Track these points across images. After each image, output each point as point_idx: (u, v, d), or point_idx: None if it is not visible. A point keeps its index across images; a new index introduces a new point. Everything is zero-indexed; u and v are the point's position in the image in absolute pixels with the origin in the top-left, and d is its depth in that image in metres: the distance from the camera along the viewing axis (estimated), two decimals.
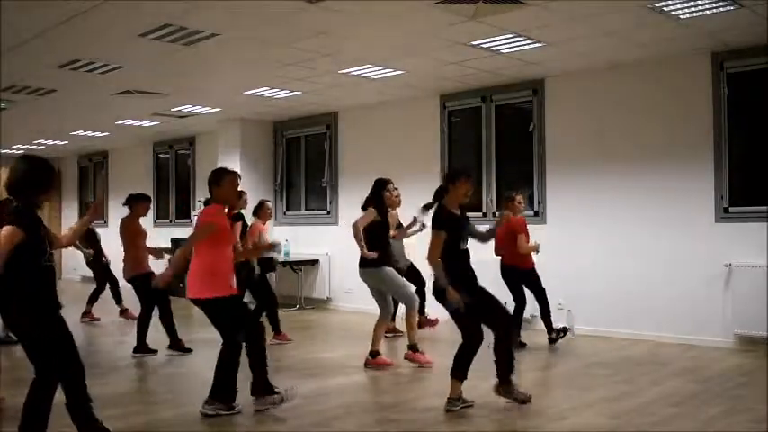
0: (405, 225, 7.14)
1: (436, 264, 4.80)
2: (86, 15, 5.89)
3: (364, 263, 6.28)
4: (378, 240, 6.29)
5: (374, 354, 6.33)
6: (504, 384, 4.95)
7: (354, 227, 6.26)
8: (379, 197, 6.36)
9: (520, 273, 7.18)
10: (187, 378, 6.24)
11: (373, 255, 6.18)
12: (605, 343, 7.40)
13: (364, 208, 6.35)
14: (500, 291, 6.80)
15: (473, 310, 4.79)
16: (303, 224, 11.43)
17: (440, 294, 4.82)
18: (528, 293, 7.29)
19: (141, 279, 6.75)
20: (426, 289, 7.86)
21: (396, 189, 7.47)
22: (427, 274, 5.98)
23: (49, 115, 10.95)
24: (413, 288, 6.57)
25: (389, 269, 6.33)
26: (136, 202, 7.12)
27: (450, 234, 4.84)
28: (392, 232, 6.83)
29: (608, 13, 5.98)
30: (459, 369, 4.85)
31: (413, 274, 7.84)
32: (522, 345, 7.11)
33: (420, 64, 7.82)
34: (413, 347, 6.36)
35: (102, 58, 7.44)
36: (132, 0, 5.57)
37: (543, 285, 7.27)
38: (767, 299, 6.69)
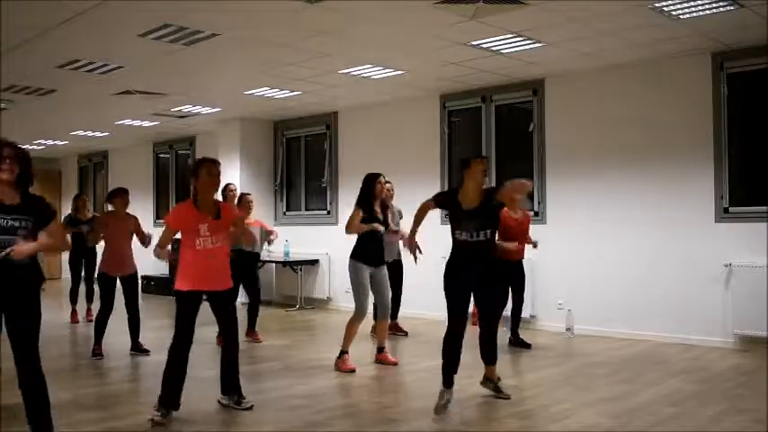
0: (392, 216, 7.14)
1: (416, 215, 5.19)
2: (86, 15, 5.89)
3: (351, 255, 6.34)
4: (362, 236, 6.28)
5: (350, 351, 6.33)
6: (485, 375, 5.17)
7: (349, 228, 6.26)
8: (369, 192, 6.30)
9: (508, 267, 6.81)
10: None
11: (373, 226, 6.20)
12: (605, 343, 7.40)
13: (359, 202, 6.33)
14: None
15: (457, 299, 4.90)
16: (303, 224, 11.43)
17: None
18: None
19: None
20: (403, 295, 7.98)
21: (388, 182, 7.58)
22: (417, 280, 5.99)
23: (49, 115, 10.94)
24: (368, 304, 6.34)
25: (361, 268, 6.23)
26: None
27: (450, 219, 5.01)
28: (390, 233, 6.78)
29: (608, 13, 5.98)
30: (443, 364, 4.89)
31: (396, 278, 7.79)
32: (527, 345, 7.12)
33: (420, 64, 7.82)
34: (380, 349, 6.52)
35: (102, 58, 7.44)
36: (132, 0, 5.57)
37: (525, 286, 7.19)
38: (767, 299, 6.69)
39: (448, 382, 4.84)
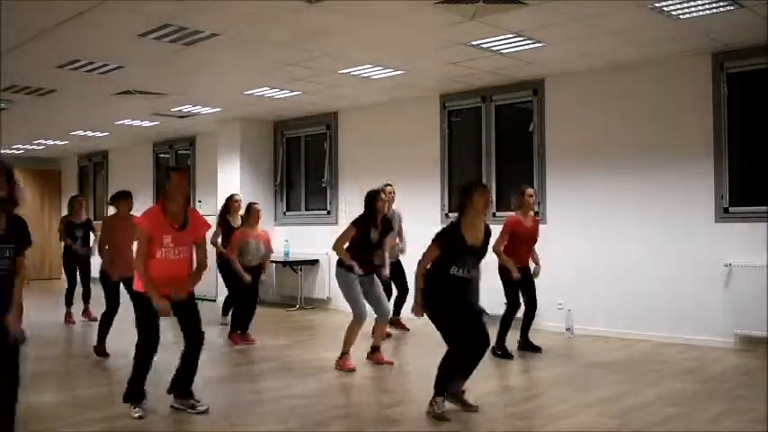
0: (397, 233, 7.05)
1: (417, 276, 4.78)
2: (86, 15, 5.89)
3: (338, 262, 6.26)
4: (355, 249, 6.19)
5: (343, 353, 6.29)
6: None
7: (335, 247, 6.20)
8: (372, 209, 6.24)
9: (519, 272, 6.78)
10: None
11: (352, 263, 6.11)
12: (605, 343, 7.40)
13: (356, 221, 6.25)
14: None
15: (455, 322, 4.74)
16: (303, 224, 11.43)
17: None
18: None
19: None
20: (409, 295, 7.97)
21: (389, 185, 7.59)
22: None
23: (49, 115, 10.95)
24: (365, 308, 6.28)
25: (352, 278, 6.17)
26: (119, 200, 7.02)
27: (444, 253, 4.71)
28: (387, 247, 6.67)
29: (608, 13, 5.98)
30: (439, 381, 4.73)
31: (398, 276, 7.82)
32: (537, 349, 6.96)
33: (420, 64, 7.82)
34: (374, 348, 6.48)
35: (102, 58, 7.44)
36: (132, 0, 5.57)
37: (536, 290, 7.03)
38: (767, 299, 6.69)
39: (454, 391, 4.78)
